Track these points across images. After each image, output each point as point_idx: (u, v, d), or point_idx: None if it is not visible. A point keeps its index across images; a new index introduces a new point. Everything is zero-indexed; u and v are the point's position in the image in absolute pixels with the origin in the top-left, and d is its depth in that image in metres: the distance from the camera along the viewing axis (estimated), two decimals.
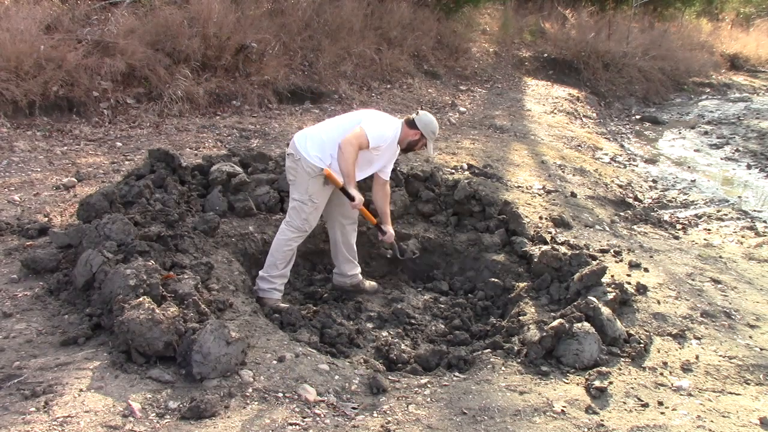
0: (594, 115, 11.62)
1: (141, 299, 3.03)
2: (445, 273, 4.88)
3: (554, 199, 5.84)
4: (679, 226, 6.12)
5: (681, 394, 3.06)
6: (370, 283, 4.55)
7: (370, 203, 4.39)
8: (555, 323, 3.37)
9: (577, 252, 4.33)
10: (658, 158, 9.33)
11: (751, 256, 5.15)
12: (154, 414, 2.57)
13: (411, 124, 4.04)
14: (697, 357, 3.41)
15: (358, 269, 4.44)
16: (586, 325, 3.36)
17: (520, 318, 3.79)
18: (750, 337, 3.68)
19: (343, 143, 3.75)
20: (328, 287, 4.59)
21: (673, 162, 9.19)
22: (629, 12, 16.17)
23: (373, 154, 3.95)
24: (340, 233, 4.28)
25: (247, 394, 2.76)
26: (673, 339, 3.58)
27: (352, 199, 3.91)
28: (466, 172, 6.19)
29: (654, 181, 7.91)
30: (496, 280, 4.47)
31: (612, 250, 4.73)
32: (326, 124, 4.10)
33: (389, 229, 4.28)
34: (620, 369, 3.23)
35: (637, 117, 12.44)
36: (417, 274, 4.92)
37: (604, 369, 3.18)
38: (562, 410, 2.85)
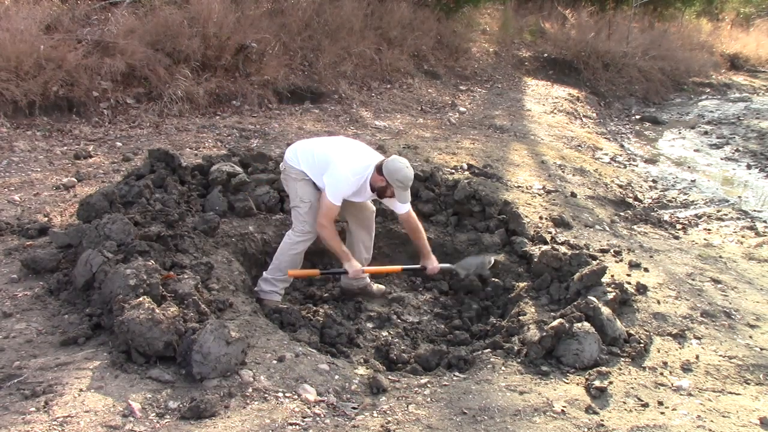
0: (594, 115, 11.62)
1: (141, 299, 3.03)
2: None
3: (554, 199, 5.84)
4: (679, 226, 6.11)
5: (681, 394, 3.06)
6: (378, 287, 4.51)
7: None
8: (555, 323, 3.37)
9: (577, 252, 4.33)
10: (658, 158, 9.33)
11: (751, 256, 5.15)
12: (154, 414, 2.57)
13: (379, 169, 3.80)
14: (697, 357, 3.41)
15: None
16: (586, 325, 3.37)
17: (520, 318, 3.79)
18: (750, 337, 3.68)
19: (319, 228, 3.87)
20: (328, 287, 4.59)
21: (673, 162, 9.19)
22: (629, 12, 16.15)
23: (349, 197, 3.93)
24: (357, 238, 4.31)
25: (247, 394, 2.76)
26: (673, 339, 3.58)
27: (346, 273, 3.98)
28: (466, 172, 6.18)
29: (654, 181, 7.91)
30: (496, 279, 4.47)
31: (612, 250, 4.73)
32: (311, 140, 4.18)
33: (429, 262, 4.14)
34: (620, 369, 3.23)
35: (637, 117, 12.43)
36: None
37: (604, 369, 3.18)
38: (562, 410, 2.85)
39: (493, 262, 4.32)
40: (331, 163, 3.84)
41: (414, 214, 4.18)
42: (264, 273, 4.11)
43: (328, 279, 4.68)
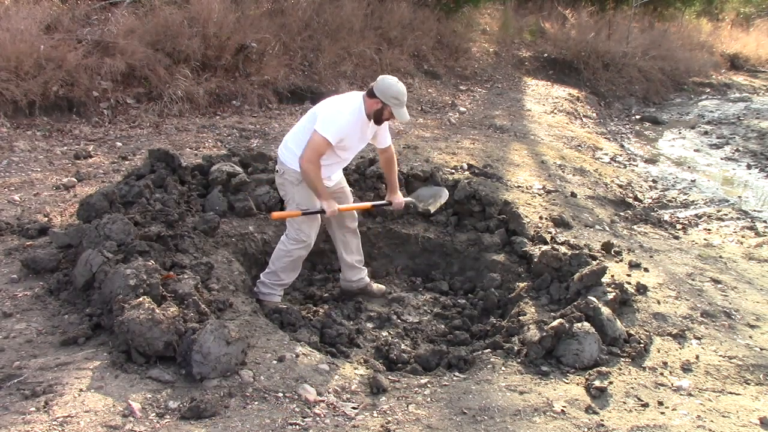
0: (594, 115, 11.62)
1: (141, 299, 3.03)
2: (445, 273, 4.88)
3: (554, 199, 5.84)
4: (679, 226, 6.11)
5: (681, 394, 3.06)
6: (378, 286, 4.51)
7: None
8: (555, 323, 3.37)
9: (577, 252, 4.33)
10: (658, 158, 9.33)
11: (751, 256, 5.15)
12: (154, 414, 2.57)
13: (370, 93, 3.72)
14: (697, 357, 3.41)
15: (364, 273, 4.41)
16: (586, 325, 3.36)
17: (520, 318, 3.79)
18: (750, 337, 3.68)
19: (303, 164, 3.64)
20: (328, 287, 4.60)
21: (673, 162, 9.19)
22: (629, 12, 16.14)
23: (342, 147, 3.79)
24: (341, 242, 4.28)
25: (247, 394, 2.77)
26: (673, 339, 3.58)
27: (323, 212, 3.82)
28: (466, 172, 6.18)
29: (654, 181, 7.91)
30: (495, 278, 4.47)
31: (612, 250, 4.73)
32: (293, 128, 3.99)
33: (396, 197, 4.17)
34: (620, 369, 3.23)
35: (637, 117, 12.43)
36: (417, 272, 4.92)
37: (604, 369, 3.18)
38: (562, 410, 2.85)
39: (446, 198, 4.45)
40: (319, 112, 3.73)
41: (393, 150, 4.15)
42: (261, 275, 4.10)
43: (328, 279, 4.69)
